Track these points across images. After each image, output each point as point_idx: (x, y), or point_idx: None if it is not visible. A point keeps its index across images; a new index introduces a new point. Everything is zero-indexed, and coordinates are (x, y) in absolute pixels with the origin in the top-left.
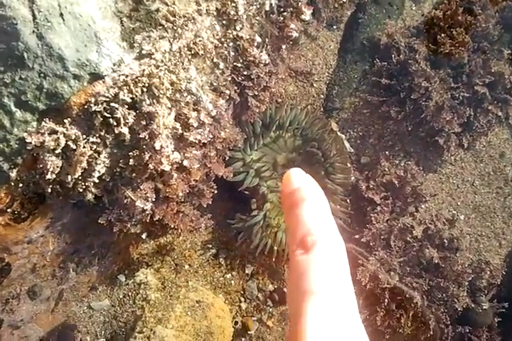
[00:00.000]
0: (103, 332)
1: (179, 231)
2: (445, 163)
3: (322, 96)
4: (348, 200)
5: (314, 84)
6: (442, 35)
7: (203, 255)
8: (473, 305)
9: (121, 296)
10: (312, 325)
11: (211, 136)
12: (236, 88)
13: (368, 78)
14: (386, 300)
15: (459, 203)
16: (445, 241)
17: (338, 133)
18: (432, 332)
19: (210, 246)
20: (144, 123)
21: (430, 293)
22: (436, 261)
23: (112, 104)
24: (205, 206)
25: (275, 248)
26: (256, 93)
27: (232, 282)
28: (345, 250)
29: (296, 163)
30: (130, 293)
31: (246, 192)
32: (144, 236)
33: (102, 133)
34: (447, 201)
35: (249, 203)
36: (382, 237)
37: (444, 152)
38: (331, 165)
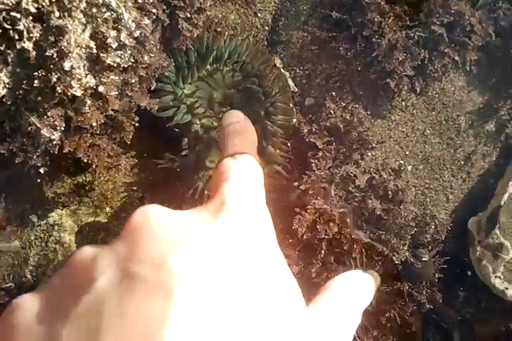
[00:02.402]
0: (11, 276)
1: (94, 166)
2: (395, 108)
3: (267, 28)
4: (288, 144)
5: (258, 14)
6: None
7: (127, 197)
8: (412, 260)
9: (32, 238)
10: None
11: (133, 60)
12: (165, 8)
13: (317, 11)
14: (323, 251)
15: (407, 152)
16: (389, 192)
17: (282, 70)
18: None
19: (135, 188)
20: (52, 39)
21: (370, 246)
22: (378, 213)
23: (14, 14)
24: (128, 143)
25: (206, 192)
26: (188, 15)
27: None
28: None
29: (234, 100)
30: (42, 235)
31: (176, 130)
32: (42, 170)
33: (2, 48)
34: (395, 150)
35: (179, 143)
36: (322, 186)
37: (395, 96)
38: (272, 105)
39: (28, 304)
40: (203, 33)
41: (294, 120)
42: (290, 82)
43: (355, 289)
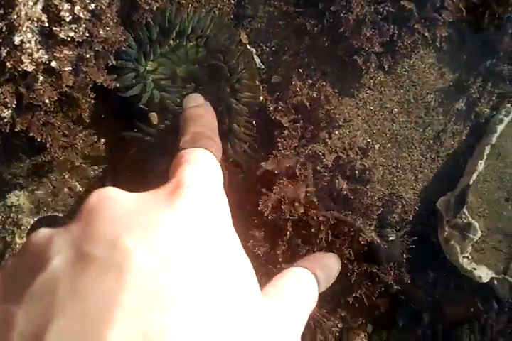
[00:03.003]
0: None
1: (48, 145)
2: (363, 86)
3: (232, 2)
4: (253, 122)
5: None
6: None
7: (87, 178)
8: (378, 240)
9: None
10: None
11: (88, 35)
12: None
13: None
14: (288, 232)
15: (374, 131)
16: (356, 172)
17: (248, 47)
18: None
19: (96, 167)
20: (1, 11)
21: (336, 227)
22: (345, 193)
23: None
24: (87, 121)
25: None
26: None
27: None
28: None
29: (198, 76)
30: (0, 217)
31: (144, 108)
32: None
33: None
34: (362, 128)
35: (143, 120)
36: (288, 165)
37: (363, 74)
38: (238, 82)
39: None
40: (164, 6)
41: (260, 97)
42: (256, 59)
43: (301, 287)
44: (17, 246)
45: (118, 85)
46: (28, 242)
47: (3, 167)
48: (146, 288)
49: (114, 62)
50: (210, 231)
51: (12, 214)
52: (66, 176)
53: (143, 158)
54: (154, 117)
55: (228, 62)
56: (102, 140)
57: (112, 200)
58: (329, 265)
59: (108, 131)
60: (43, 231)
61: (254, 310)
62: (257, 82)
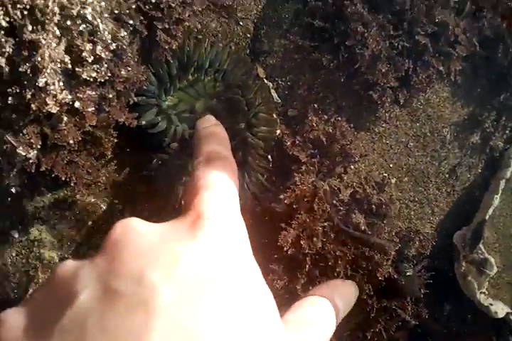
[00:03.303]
0: None
1: (73, 184)
2: (378, 120)
3: (249, 36)
4: (269, 157)
5: (240, 22)
6: None
7: (107, 211)
8: (396, 276)
9: (13, 254)
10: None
11: (110, 74)
12: (143, 19)
13: (300, 19)
14: (307, 266)
15: (390, 165)
16: (373, 206)
17: (265, 81)
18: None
19: (116, 200)
20: (25, 54)
21: (354, 261)
22: (362, 228)
23: None
24: (108, 157)
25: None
26: (166, 26)
27: None
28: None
29: (216, 110)
30: (23, 251)
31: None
32: (14, 190)
33: None
34: (378, 162)
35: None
36: (306, 199)
37: (378, 108)
38: (255, 116)
39: (12, 319)
40: (183, 43)
41: (278, 131)
42: (273, 93)
43: (320, 316)
44: (40, 280)
45: (143, 123)
46: (53, 275)
47: (26, 201)
48: (173, 325)
49: (136, 100)
50: (233, 263)
51: (35, 249)
52: (90, 210)
53: (158, 189)
54: (175, 147)
55: (246, 96)
56: (123, 173)
57: (136, 233)
58: (347, 293)
59: (128, 164)
60: (68, 264)
61: (275, 338)
62: (274, 115)
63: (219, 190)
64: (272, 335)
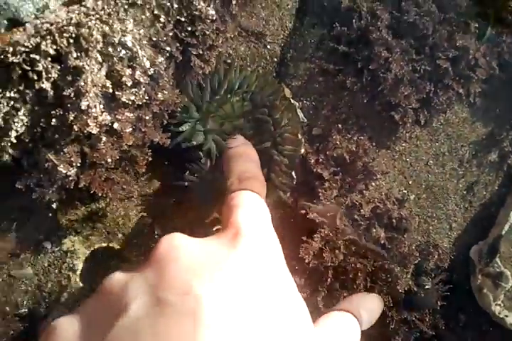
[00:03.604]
0: (24, 302)
1: (108, 200)
2: (399, 139)
3: (276, 60)
4: (293, 173)
5: (268, 46)
6: (408, 1)
7: (138, 224)
8: (415, 288)
9: (46, 264)
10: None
11: (147, 97)
12: (178, 45)
13: (325, 44)
14: (329, 279)
15: (410, 182)
16: (393, 221)
17: (292, 101)
18: None
19: (145, 214)
20: (69, 78)
21: (374, 274)
22: (382, 242)
23: (33, 56)
24: (141, 173)
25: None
26: (200, 52)
27: None
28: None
29: (244, 130)
30: (56, 262)
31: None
32: (54, 205)
33: (21, 88)
34: (398, 179)
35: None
36: (329, 214)
37: (399, 128)
38: (281, 136)
39: (65, 327)
40: (215, 68)
41: (302, 150)
42: (299, 113)
43: (346, 331)
44: (73, 289)
45: (186, 143)
46: (104, 286)
47: (60, 214)
48: (219, 333)
49: (173, 121)
50: (271, 275)
51: (68, 259)
52: (120, 222)
53: (187, 205)
54: (206, 162)
55: (273, 115)
56: (153, 188)
57: (181, 248)
58: (372, 306)
59: (159, 178)
60: (118, 276)
61: None
62: (299, 135)
63: (253, 207)
64: (306, 339)
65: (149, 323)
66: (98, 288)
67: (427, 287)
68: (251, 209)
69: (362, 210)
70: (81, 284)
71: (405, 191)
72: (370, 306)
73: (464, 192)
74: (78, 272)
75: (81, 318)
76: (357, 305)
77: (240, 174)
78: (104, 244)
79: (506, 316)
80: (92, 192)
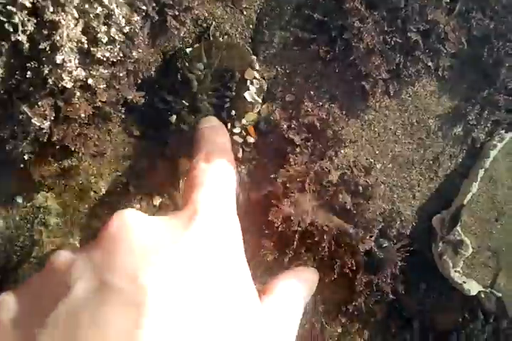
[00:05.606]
0: None
1: (80, 154)
2: (369, 109)
3: (251, 27)
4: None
5: (244, 12)
6: None
7: (111, 182)
8: (375, 249)
9: (17, 218)
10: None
11: (122, 55)
12: (155, 5)
13: (301, 11)
14: (295, 243)
15: (377, 152)
16: (360, 188)
17: (247, 83)
18: (335, 276)
19: (120, 173)
20: (45, 32)
21: (339, 237)
22: (348, 207)
23: (9, 8)
24: (113, 132)
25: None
26: (176, 13)
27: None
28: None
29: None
30: (28, 216)
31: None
32: (26, 157)
33: None
34: (366, 148)
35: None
36: (298, 179)
37: (369, 98)
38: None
39: (7, 303)
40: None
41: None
42: (247, 95)
43: (291, 298)
44: (44, 243)
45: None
46: (49, 264)
47: (33, 169)
48: (163, 325)
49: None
50: (222, 261)
51: (40, 215)
52: (92, 180)
53: (162, 166)
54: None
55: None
56: (126, 147)
57: (132, 228)
58: (308, 278)
59: (132, 138)
60: (63, 254)
61: (256, 324)
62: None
63: (216, 188)
64: (253, 318)
65: (91, 308)
66: (45, 265)
67: (385, 245)
68: (213, 188)
69: (330, 176)
70: (52, 239)
71: (372, 160)
72: (306, 279)
73: (430, 163)
74: (50, 227)
75: (24, 296)
76: (296, 275)
77: (208, 152)
78: (76, 201)
79: (464, 282)
80: (64, 146)
